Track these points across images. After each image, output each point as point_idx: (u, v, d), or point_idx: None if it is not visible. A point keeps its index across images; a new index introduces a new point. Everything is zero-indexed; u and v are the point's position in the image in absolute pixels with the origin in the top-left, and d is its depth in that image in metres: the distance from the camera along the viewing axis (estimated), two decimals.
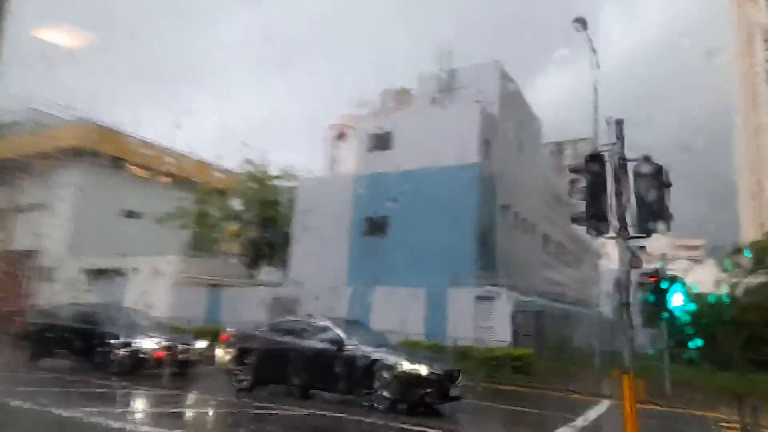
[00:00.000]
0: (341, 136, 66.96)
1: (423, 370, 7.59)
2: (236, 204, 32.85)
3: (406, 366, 7.61)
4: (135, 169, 34.30)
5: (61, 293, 26.81)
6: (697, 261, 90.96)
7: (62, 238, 30.34)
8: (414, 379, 7.49)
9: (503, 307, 18.54)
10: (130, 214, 33.49)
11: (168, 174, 35.12)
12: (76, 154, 31.16)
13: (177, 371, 10.33)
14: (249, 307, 23.34)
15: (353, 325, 8.99)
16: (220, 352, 9.25)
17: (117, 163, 32.82)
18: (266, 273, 31.71)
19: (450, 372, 8.04)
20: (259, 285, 26.69)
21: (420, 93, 26.69)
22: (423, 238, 22.10)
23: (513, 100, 27.17)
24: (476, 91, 24.42)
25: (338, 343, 8.12)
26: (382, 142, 24.86)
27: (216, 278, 26.98)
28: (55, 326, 10.82)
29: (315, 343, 8.35)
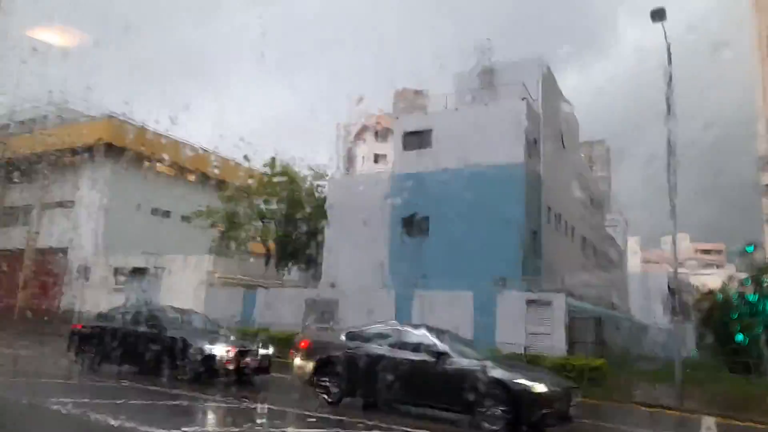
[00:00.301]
0: (361, 133, 66.39)
1: (542, 387, 6.87)
2: (264, 203, 32.31)
3: (523, 382, 6.89)
4: (161, 167, 33.68)
5: (92, 292, 26.39)
6: (717, 266, 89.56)
7: (90, 236, 29.87)
8: (532, 397, 6.77)
9: (558, 312, 17.73)
10: (159, 213, 33.06)
11: (194, 172, 34.51)
12: (102, 151, 30.69)
13: (246, 379, 9.69)
14: (285, 308, 22.76)
15: (443, 334, 8.27)
16: (299, 361, 8.58)
17: (143, 159, 32.08)
18: (296, 274, 31.17)
19: (568, 389, 7.31)
20: (295, 286, 26.05)
21: (458, 90, 25.89)
22: (466, 239, 21.37)
23: (554, 98, 26.39)
24: (518, 88, 23.66)
25: (439, 354, 7.43)
26: (420, 140, 24.15)
27: (248, 278, 26.42)
28: (117, 330, 10.19)
29: (413, 355, 7.66)
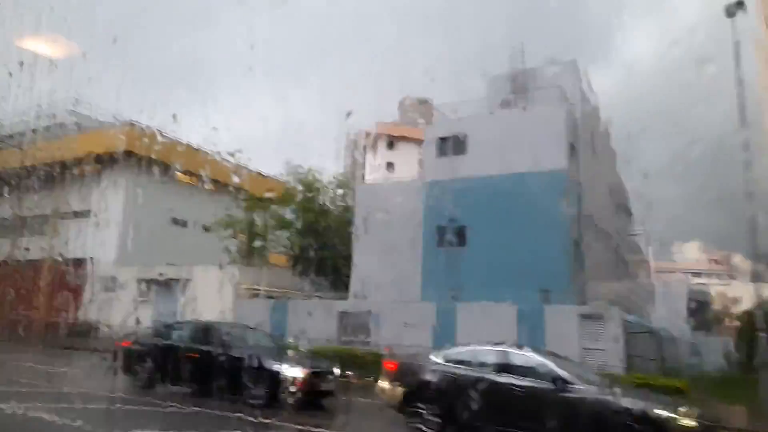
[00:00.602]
0: (372, 142, 65.79)
1: (689, 419, 6.00)
2: (286, 213, 31.54)
3: (665, 413, 6.03)
4: (180, 175, 32.89)
5: (116, 304, 25.60)
6: (730, 276, 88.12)
7: (110, 246, 29.08)
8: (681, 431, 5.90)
9: (614, 327, 16.84)
10: (178, 222, 32.33)
11: (213, 180, 33.65)
12: (121, 159, 29.97)
13: (317, 403, 8.85)
14: (316, 321, 21.92)
15: (552, 356, 7.42)
16: (386, 385, 7.73)
17: (162, 168, 31.06)
18: (320, 285, 30.28)
19: (717, 420, 6.46)
20: (324, 297, 25.20)
21: (491, 94, 25.14)
22: (507, 249, 20.56)
23: (589, 102, 25.68)
24: (554, 92, 22.97)
25: (560, 381, 6.58)
26: (455, 146, 23.39)
27: (274, 289, 25.60)
28: (175, 348, 9.36)
29: (525, 380, 6.81)
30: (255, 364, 8.52)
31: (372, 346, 20.06)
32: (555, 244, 20.09)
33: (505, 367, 7.06)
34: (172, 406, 7.88)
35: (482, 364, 7.24)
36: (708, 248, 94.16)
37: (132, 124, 29.79)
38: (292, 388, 8.24)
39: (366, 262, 25.16)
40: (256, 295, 24.69)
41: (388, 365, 7.92)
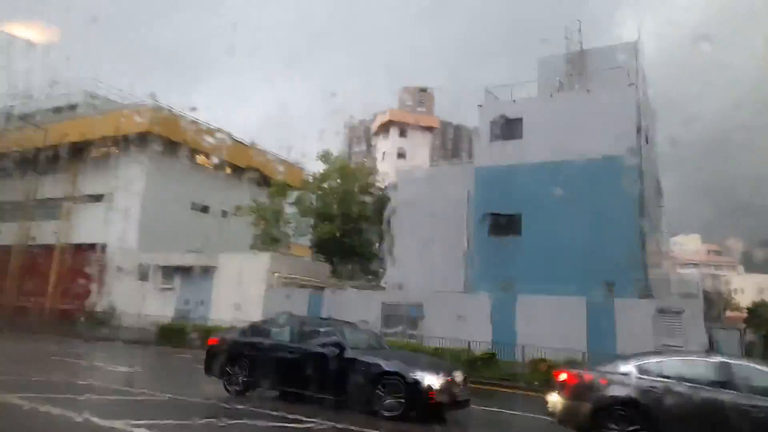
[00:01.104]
0: (382, 129, 64.27)
1: None
2: (314, 200, 30.14)
3: None
4: (201, 159, 31.10)
5: (138, 291, 24.13)
6: (730, 267, 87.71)
7: (129, 231, 27.38)
8: None
9: (696, 322, 15.68)
10: (198, 207, 30.64)
11: (234, 165, 31.96)
12: (141, 141, 28.17)
13: (448, 415, 7.55)
14: (356, 313, 20.57)
15: None
16: (564, 400, 6.42)
17: (183, 151, 29.18)
18: (351, 273, 28.98)
19: None
20: (362, 287, 23.90)
21: (544, 77, 23.71)
22: (566, 239, 19.31)
23: (644, 86, 24.34)
24: (614, 74, 21.59)
25: None
26: (509, 130, 21.99)
27: (308, 278, 24.22)
28: (278, 348, 7.97)
29: (758, 401, 5.52)
30: (381, 369, 7.18)
31: (419, 338, 18.85)
32: (620, 235, 18.88)
33: (727, 384, 5.77)
34: (284, 420, 6.45)
35: (694, 378, 5.93)
36: (706, 240, 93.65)
37: (151, 106, 27.92)
38: (429, 397, 6.93)
39: (404, 251, 23.92)
40: (288, 284, 23.25)
41: (562, 376, 6.59)
